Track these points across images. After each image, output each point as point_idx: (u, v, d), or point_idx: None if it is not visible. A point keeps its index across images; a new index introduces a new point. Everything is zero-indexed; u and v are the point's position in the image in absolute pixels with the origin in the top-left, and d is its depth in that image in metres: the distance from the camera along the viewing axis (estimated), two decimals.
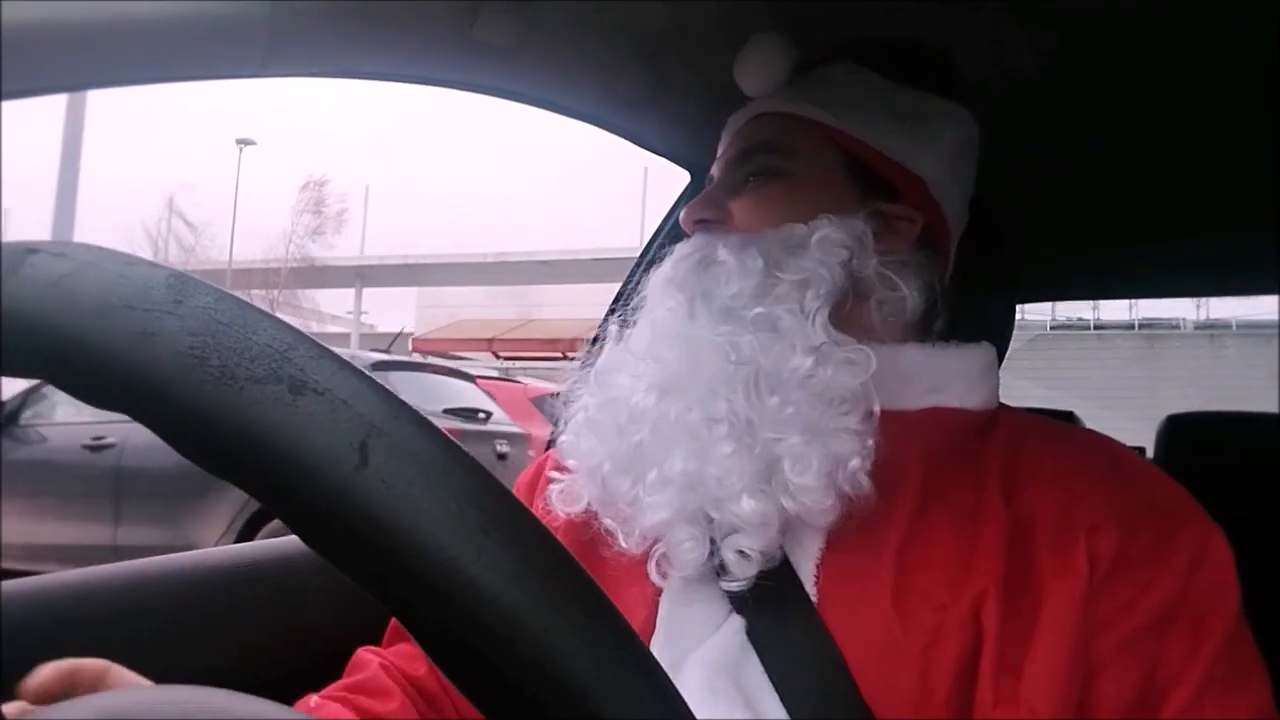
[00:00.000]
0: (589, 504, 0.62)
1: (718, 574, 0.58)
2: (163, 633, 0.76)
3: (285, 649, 0.84)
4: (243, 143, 21.75)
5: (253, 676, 0.77)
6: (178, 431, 0.25)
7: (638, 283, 0.69)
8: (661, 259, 0.68)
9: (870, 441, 0.56)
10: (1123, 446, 0.63)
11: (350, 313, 21.86)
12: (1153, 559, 0.53)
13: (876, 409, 0.57)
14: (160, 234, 20.80)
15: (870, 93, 0.68)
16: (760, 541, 0.56)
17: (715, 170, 0.73)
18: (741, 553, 0.56)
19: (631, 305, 0.67)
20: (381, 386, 0.26)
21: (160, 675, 0.42)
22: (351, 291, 21.41)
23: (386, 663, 0.69)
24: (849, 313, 0.63)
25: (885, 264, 0.64)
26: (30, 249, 0.27)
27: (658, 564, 0.58)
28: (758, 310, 0.59)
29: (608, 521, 0.61)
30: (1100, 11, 0.82)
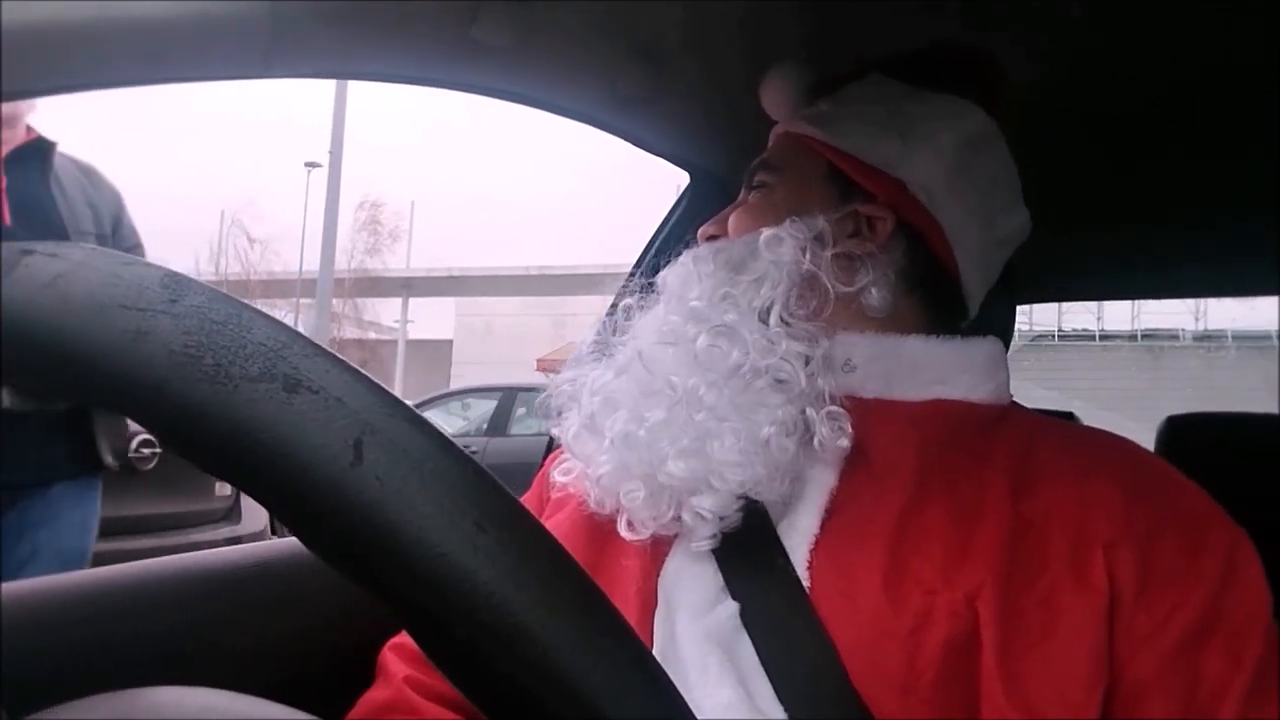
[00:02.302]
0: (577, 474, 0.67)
1: (715, 555, 0.60)
2: (167, 634, 0.76)
3: (291, 648, 0.84)
4: (311, 165, 22.32)
5: (259, 676, 0.77)
6: (172, 430, 0.25)
7: (637, 281, 0.72)
8: (670, 261, 0.72)
9: (780, 413, 0.60)
10: (1140, 448, 0.63)
11: (396, 321, 22.65)
12: (1182, 572, 0.53)
13: (826, 391, 0.61)
14: (223, 247, 21.34)
15: (876, 102, 0.71)
16: (712, 503, 0.59)
17: None
18: (699, 514, 0.59)
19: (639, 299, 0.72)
20: (376, 384, 0.26)
21: (163, 677, 0.42)
22: (395, 300, 22.22)
23: (411, 676, 0.70)
24: (814, 301, 0.65)
25: (844, 257, 0.67)
26: (25, 249, 0.27)
27: (628, 522, 0.62)
28: (695, 304, 0.65)
29: (584, 484, 0.65)
30: (1100, 12, 0.82)
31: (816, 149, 0.71)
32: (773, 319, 0.63)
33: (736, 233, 0.71)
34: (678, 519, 0.60)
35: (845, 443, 0.60)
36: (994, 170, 0.71)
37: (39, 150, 1.69)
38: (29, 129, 1.70)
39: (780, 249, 0.65)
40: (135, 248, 1.87)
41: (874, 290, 0.66)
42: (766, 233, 0.66)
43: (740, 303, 0.64)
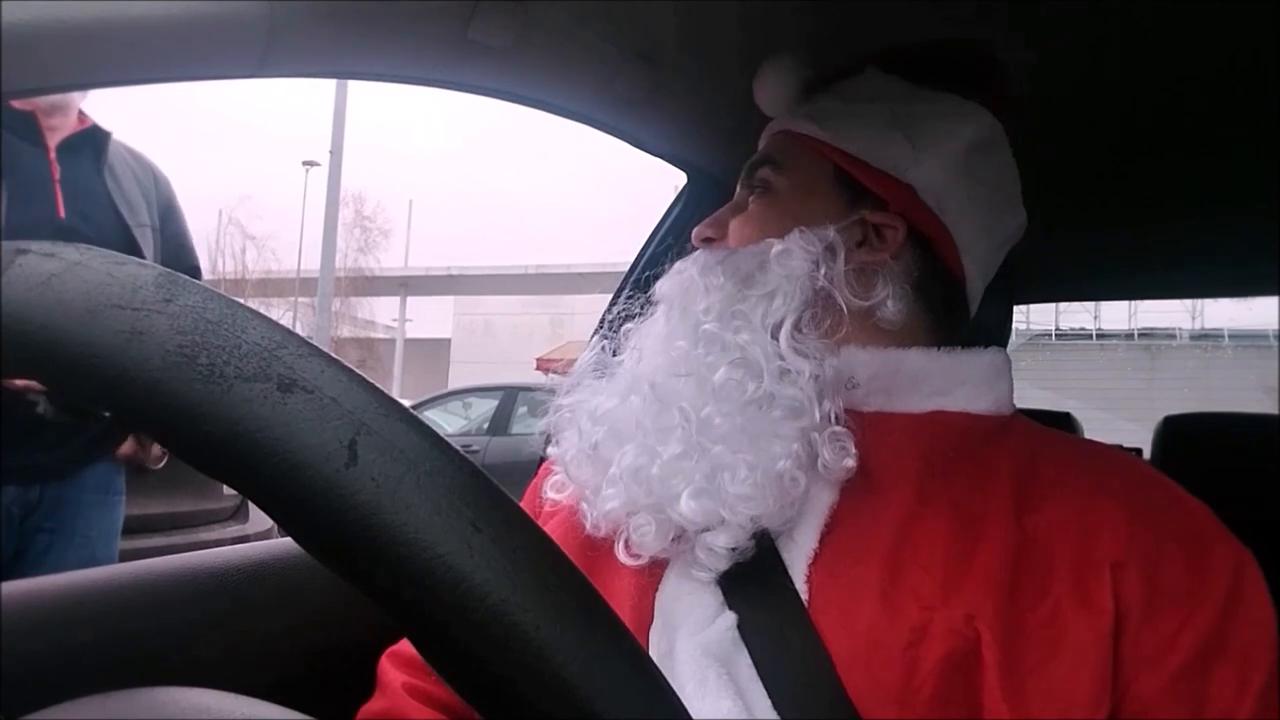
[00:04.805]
0: (571, 492, 0.66)
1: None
2: (163, 634, 0.76)
3: (288, 649, 0.84)
4: (309, 164, 22.55)
5: (256, 677, 0.77)
6: (167, 430, 0.25)
7: (637, 285, 0.71)
8: (667, 264, 0.71)
9: (794, 446, 0.58)
10: (1144, 464, 0.63)
11: (394, 320, 22.79)
12: (1188, 592, 0.52)
13: (832, 412, 0.59)
14: (221, 245, 21.45)
15: (878, 101, 0.70)
16: (727, 539, 0.58)
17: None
18: (713, 550, 0.58)
19: (636, 311, 0.71)
20: (371, 384, 0.26)
21: (160, 677, 0.42)
22: (391, 299, 22.40)
23: (409, 683, 0.70)
24: (828, 319, 0.64)
25: (859, 270, 0.65)
26: (20, 249, 0.27)
27: (626, 545, 0.61)
28: (707, 326, 0.63)
29: (581, 506, 0.63)
30: (1099, 13, 0.82)
31: (821, 150, 0.69)
32: (783, 335, 0.62)
33: (740, 240, 0.69)
34: (677, 540, 0.59)
35: (850, 463, 0.59)
36: (1000, 173, 0.70)
37: (92, 139, 1.65)
38: (82, 116, 1.66)
39: (791, 262, 0.63)
40: (181, 232, 1.83)
41: (890, 303, 0.65)
42: (778, 246, 0.64)
43: (752, 319, 0.62)
